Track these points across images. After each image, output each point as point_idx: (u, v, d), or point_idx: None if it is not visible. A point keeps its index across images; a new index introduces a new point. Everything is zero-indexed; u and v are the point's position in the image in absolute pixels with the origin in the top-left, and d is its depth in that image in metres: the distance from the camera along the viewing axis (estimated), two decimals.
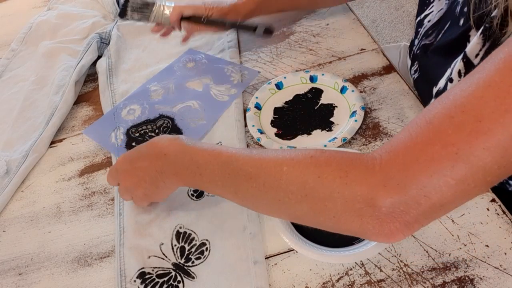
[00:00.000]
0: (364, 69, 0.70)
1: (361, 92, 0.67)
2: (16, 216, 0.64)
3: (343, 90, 0.66)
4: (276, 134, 0.64)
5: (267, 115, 0.67)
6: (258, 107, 0.68)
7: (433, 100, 0.56)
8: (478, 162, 0.32)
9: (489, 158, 0.32)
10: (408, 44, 1.03)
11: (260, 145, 0.63)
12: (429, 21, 0.63)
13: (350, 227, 0.38)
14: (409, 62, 0.69)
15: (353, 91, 0.65)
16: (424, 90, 0.62)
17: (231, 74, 0.74)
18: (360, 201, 0.35)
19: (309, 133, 0.63)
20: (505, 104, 0.31)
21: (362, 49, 0.74)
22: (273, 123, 0.66)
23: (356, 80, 0.69)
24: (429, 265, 0.48)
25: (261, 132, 0.63)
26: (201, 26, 0.73)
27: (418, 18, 0.66)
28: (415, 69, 0.66)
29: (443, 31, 0.59)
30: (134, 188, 0.53)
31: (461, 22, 0.54)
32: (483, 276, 0.46)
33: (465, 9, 0.52)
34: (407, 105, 0.63)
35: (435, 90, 0.57)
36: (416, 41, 0.66)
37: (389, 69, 0.69)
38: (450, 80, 0.53)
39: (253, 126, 0.64)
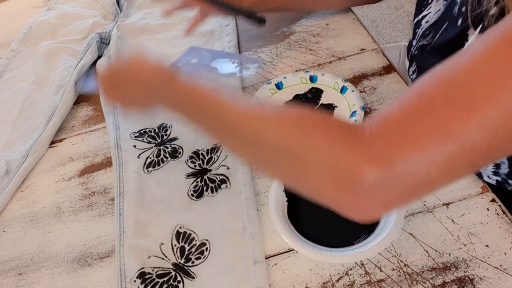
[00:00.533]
0: (364, 69, 0.70)
1: (361, 92, 0.67)
2: (16, 216, 0.64)
3: (343, 90, 0.66)
4: None
5: None
6: None
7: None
8: (468, 140, 0.31)
9: (479, 136, 0.30)
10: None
11: None
12: (426, 22, 0.63)
13: (327, 197, 0.37)
14: (407, 63, 0.69)
15: (353, 91, 0.65)
16: None
17: (236, 64, 0.74)
18: (342, 172, 0.34)
19: None
20: (500, 81, 0.30)
21: (362, 49, 0.74)
22: None
23: (356, 80, 0.69)
24: (429, 265, 0.48)
25: None
26: (201, 2, 0.71)
27: (416, 19, 0.65)
28: (413, 70, 0.66)
29: (440, 32, 0.58)
30: (124, 107, 0.53)
31: (459, 22, 0.53)
32: (483, 276, 0.46)
33: (463, 9, 0.52)
34: None
35: None
36: (414, 42, 0.66)
37: (389, 69, 0.69)
38: None
39: None
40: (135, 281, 0.52)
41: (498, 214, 0.50)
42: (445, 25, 0.57)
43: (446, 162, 0.31)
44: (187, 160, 0.63)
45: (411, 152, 0.32)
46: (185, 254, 0.53)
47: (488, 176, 0.56)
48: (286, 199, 0.53)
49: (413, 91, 0.34)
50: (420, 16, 0.64)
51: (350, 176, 0.33)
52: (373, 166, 0.33)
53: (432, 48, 0.59)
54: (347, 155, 0.34)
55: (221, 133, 0.43)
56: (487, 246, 0.48)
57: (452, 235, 0.49)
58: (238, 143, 0.42)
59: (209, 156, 0.63)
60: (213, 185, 0.60)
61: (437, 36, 0.59)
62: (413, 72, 0.66)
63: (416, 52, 0.65)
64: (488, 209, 0.50)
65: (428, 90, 0.33)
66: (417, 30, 0.65)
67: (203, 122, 0.44)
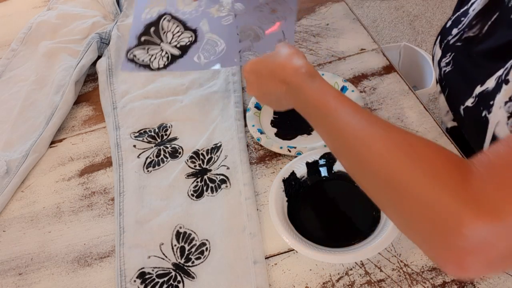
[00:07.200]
0: (364, 69, 0.70)
1: (361, 92, 0.67)
2: (16, 216, 0.64)
3: (343, 90, 0.66)
4: (276, 134, 0.64)
5: (267, 115, 0.67)
6: (258, 107, 0.68)
7: (471, 99, 0.50)
8: None
9: None
10: (409, 44, 1.02)
11: (260, 145, 0.63)
12: (473, 10, 0.56)
13: (419, 237, 0.33)
14: (438, 52, 0.62)
15: (353, 91, 0.65)
16: (458, 86, 0.56)
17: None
18: (441, 214, 0.30)
19: (309, 133, 0.63)
20: None
21: (362, 49, 0.74)
22: (273, 123, 0.66)
23: (356, 80, 0.69)
24: (429, 265, 0.48)
25: (261, 132, 0.63)
26: None
27: (465, 7, 0.59)
28: (447, 61, 0.60)
29: (489, 23, 0.52)
30: (260, 97, 0.55)
31: None
32: (483, 276, 0.46)
33: None
34: (407, 105, 0.63)
35: (479, 89, 0.50)
36: (455, 31, 0.59)
37: (389, 69, 0.69)
38: (506, 81, 0.45)
39: (253, 126, 0.64)
40: (135, 281, 0.52)
41: None
42: (495, 16, 0.51)
43: None
44: (187, 160, 0.63)
45: None
46: (185, 254, 0.53)
47: None
48: (286, 199, 0.54)
49: None
50: (469, 4, 0.58)
51: (450, 223, 0.29)
52: (480, 215, 0.28)
53: (487, 50, 0.53)
54: (451, 196, 0.30)
55: (333, 141, 0.43)
56: None
57: None
58: (347, 154, 0.40)
59: (209, 156, 0.63)
60: (213, 185, 0.60)
61: (485, 28, 0.53)
62: (447, 64, 0.59)
63: (458, 43, 0.58)
64: None
65: None
66: (462, 19, 0.59)
67: (321, 126, 0.44)
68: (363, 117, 0.39)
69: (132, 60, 0.70)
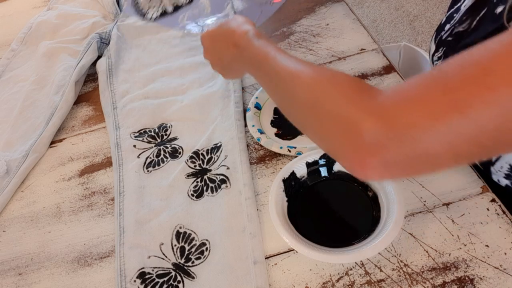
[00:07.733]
0: (364, 69, 0.70)
1: None
2: (16, 216, 0.64)
3: None
4: (276, 134, 0.64)
5: (267, 115, 0.67)
6: (258, 107, 0.68)
7: None
8: (474, 115, 0.31)
9: (486, 114, 0.30)
10: (409, 44, 1.02)
11: (260, 145, 0.63)
12: (464, 6, 0.59)
13: (332, 147, 0.39)
14: (432, 47, 0.65)
15: None
16: None
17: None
18: (347, 123, 0.36)
19: None
20: None
21: (362, 49, 0.74)
22: (273, 123, 0.66)
23: None
24: (429, 265, 0.48)
25: (261, 132, 0.63)
26: None
27: (458, 4, 0.62)
28: (439, 55, 0.63)
29: (477, 18, 0.55)
30: (213, 62, 0.60)
31: (498, 10, 0.50)
32: (483, 276, 0.46)
33: None
34: None
35: None
36: (448, 26, 0.62)
37: (389, 69, 0.69)
38: None
39: (253, 126, 0.64)
40: (135, 281, 0.52)
41: (498, 214, 0.50)
42: (483, 11, 0.54)
43: (450, 133, 0.31)
44: (187, 160, 0.63)
45: (414, 115, 0.32)
46: (185, 254, 0.53)
47: (498, 180, 0.55)
48: (286, 199, 0.54)
49: (434, 68, 0.35)
50: (461, 1, 0.61)
51: (353, 128, 0.35)
52: (375, 119, 0.34)
53: (473, 43, 0.53)
54: (357, 108, 0.36)
55: (265, 84, 0.48)
56: (487, 246, 0.48)
57: (452, 235, 0.49)
58: (280, 93, 0.45)
59: (209, 156, 0.63)
60: (213, 185, 0.60)
61: (474, 23, 0.56)
62: (439, 58, 0.63)
63: (449, 38, 0.61)
64: (488, 209, 0.50)
65: (448, 66, 0.33)
66: (455, 15, 0.61)
67: (261, 78, 0.49)
68: (297, 61, 0.45)
69: (135, 5, 0.74)
